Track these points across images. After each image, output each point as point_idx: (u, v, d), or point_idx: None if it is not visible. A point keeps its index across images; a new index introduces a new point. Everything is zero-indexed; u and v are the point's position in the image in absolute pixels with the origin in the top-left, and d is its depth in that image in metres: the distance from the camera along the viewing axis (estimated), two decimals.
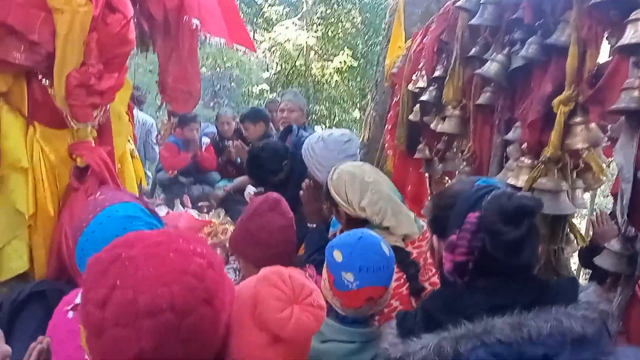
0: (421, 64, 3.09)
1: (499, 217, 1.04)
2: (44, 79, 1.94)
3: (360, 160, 5.50)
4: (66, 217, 1.95)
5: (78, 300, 1.35)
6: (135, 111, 5.04)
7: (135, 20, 2.35)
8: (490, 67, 2.23)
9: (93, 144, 2.03)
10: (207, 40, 2.59)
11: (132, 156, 2.55)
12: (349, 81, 11.69)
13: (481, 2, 2.34)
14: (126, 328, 0.85)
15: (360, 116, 11.04)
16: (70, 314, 1.43)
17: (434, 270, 1.78)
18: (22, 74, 1.94)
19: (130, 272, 0.88)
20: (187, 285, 0.89)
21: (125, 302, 0.86)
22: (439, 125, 2.78)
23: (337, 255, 1.54)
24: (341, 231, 2.12)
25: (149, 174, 5.28)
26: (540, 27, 2.01)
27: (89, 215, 1.45)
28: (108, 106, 2.09)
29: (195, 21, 2.39)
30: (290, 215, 1.99)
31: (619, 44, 1.54)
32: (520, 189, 1.93)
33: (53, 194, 1.98)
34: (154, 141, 5.71)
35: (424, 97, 2.95)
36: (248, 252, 2.06)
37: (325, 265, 1.60)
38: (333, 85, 11.76)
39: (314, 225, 2.36)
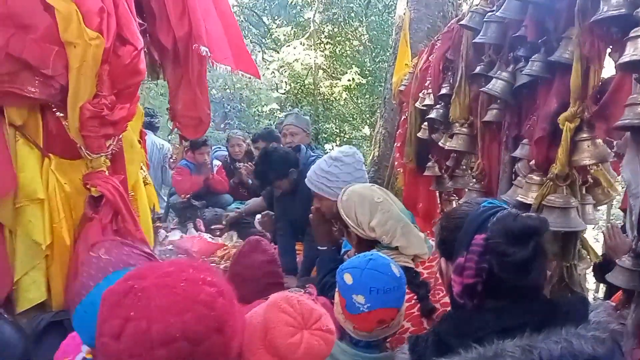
0: (427, 82, 3.13)
1: (504, 239, 1.05)
2: (58, 112, 1.98)
3: (371, 177, 5.56)
4: (82, 246, 1.98)
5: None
6: (152, 136, 5.12)
7: (146, 49, 2.41)
8: (496, 85, 2.25)
9: (107, 174, 2.07)
10: (214, 67, 2.64)
11: (145, 182, 2.59)
12: (357, 98, 11.76)
13: (484, 20, 2.37)
14: (141, 358, 0.88)
15: (370, 133, 11.07)
16: None
17: (445, 291, 1.78)
18: (36, 107, 1.99)
19: (143, 302, 0.91)
20: (199, 314, 0.92)
21: (139, 332, 0.89)
22: (447, 143, 2.79)
23: (348, 278, 1.55)
24: (354, 253, 2.14)
25: (164, 197, 5.33)
26: (544, 44, 2.03)
27: (89, 281, 1.31)
28: (120, 135, 2.13)
29: (204, 49, 2.44)
30: (272, 252, 2.14)
31: (619, 61, 1.56)
32: (530, 205, 1.93)
33: (69, 223, 2.02)
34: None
35: (431, 115, 2.98)
36: (240, 290, 2.07)
37: (337, 288, 1.61)
38: (342, 103, 11.84)
39: (325, 248, 2.37)
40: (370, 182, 2.64)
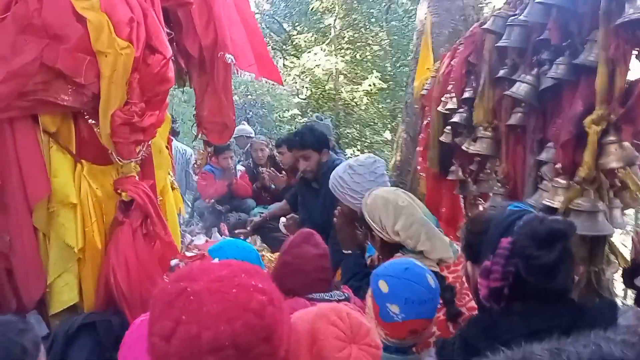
0: (450, 86, 3.13)
1: (531, 242, 1.06)
2: (90, 119, 2.04)
3: (393, 182, 5.57)
4: (113, 250, 2.03)
5: None
6: (175, 141, 5.21)
7: (173, 57, 2.47)
8: (520, 88, 2.24)
9: (137, 179, 2.12)
10: (238, 74, 2.68)
11: (172, 187, 2.65)
12: (378, 103, 11.76)
13: (507, 24, 2.37)
14: None
15: (392, 137, 11.06)
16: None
17: (470, 295, 1.78)
18: (69, 114, 2.06)
19: (195, 307, 0.92)
20: (248, 323, 0.92)
21: (189, 337, 0.90)
22: (471, 147, 2.79)
23: (383, 286, 1.55)
24: (378, 257, 2.15)
25: (188, 202, 5.41)
26: (568, 47, 2.02)
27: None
28: (150, 141, 2.19)
29: (229, 56, 2.49)
30: (324, 246, 2.01)
31: None
32: (556, 209, 1.92)
33: (100, 228, 2.08)
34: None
35: (454, 119, 2.97)
36: (286, 281, 2.08)
37: (370, 293, 1.61)
38: (363, 107, 11.85)
39: (350, 252, 2.38)
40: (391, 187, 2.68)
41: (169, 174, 2.61)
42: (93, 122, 2.03)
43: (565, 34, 2.03)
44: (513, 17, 2.34)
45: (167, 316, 0.93)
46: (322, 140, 3.45)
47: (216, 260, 1.69)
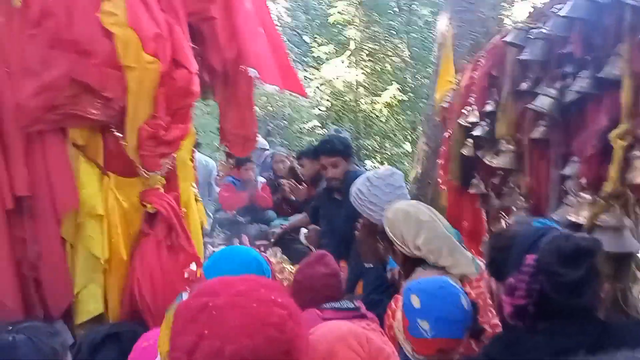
0: (471, 99, 3.12)
1: (556, 259, 1.05)
2: (117, 132, 2.09)
3: (414, 194, 5.54)
4: (137, 261, 2.07)
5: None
6: (197, 153, 5.28)
7: (197, 71, 2.52)
8: (543, 101, 2.23)
9: (162, 191, 2.16)
10: (262, 87, 2.72)
11: (195, 199, 2.68)
12: (398, 115, 11.74)
13: (529, 37, 2.36)
14: None
15: (412, 149, 11.02)
16: None
17: (494, 311, 1.77)
18: (97, 128, 2.11)
19: (217, 321, 0.94)
20: (270, 337, 0.94)
21: (212, 351, 0.91)
22: (493, 160, 2.77)
23: (415, 301, 1.53)
24: (399, 271, 2.15)
25: (210, 213, 5.46)
26: (592, 60, 2.00)
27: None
28: (174, 154, 2.23)
29: (252, 70, 2.53)
30: (334, 267, 2.13)
31: None
32: (581, 225, 1.89)
33: (125, 239, 2.11)
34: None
35: (476, 132, 2.96)
36: (297, 297, 2.09)
37: (400, 306, 1.60)
38: (383, 119, 11.84)
39: (371, 265, 2.38)
40: (412, 200, 2.68)
41: (193, 186, 2.65)
42: (120, 135, 2.08)
43: (588, 47, 2.02)
44: (535, 30, 2.33)
45: (190, 331, 0.95)
46: (350, 148, 3.52)
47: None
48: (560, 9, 2.10)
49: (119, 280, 2.11)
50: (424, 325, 1.50)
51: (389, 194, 2.56)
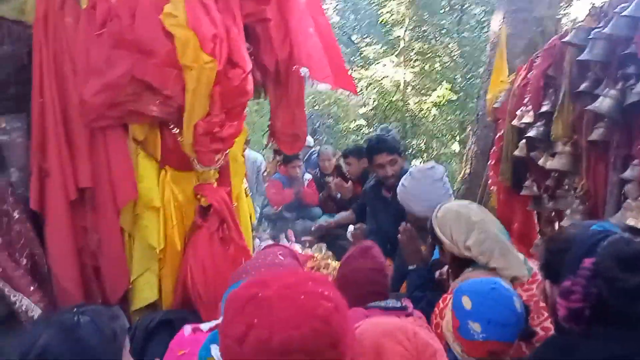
0: (526, 99, 3.05)
1: (616, 264, 1.02)
2: (174, 128, 2.17)
3: (462, 195, 5.46)
4: (191, 252, 2.14)
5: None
6: (246, 150, 5.39)
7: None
8: (603, 103, 2.16)
9: (215, 185, 2.23)
10: (313, 86, 2.75)
11: (245, 194, 2.75)
12: (447, 115, 11.56)
13: (590, 37, 2.29)
14: None
15: (460, 150, 10.82)
16: None
17: (545, 314, 1.73)
18: (156, 124, 2.20)
19: (266, 312, 0.96)
20: (316, 329, 0.96)
21: (261, 341, 0.94)
22: (548, 162, 2.70)
23: (466, 302, 1.51)
24: (448, 271, 2.13)
25: (257, 208, 5.56)
26: None
27: (241, 274, 1.61)
28: (227, 150, 2.29)
29: (304, 70, 2.56)
30: (380, 260, 2.01)
31: None
32: None
33: (180, 230, 2.20)
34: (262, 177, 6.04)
35: (530, 133, 2.89)
36: (342, 292, 2.09)
37: (450, 306, 1.58)
38: (431, 119, 11.68)
39: (414, 267, 2.39)
40: (460, 200, 2.70)
41: (243, 181, 2.71)
42: (177, 131, 2.16)
43: None
44: (597, 30, 2.25)
45: (240, 320, 0.98)
46: (399, 144, 3.55)
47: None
48: (623, 9, 2.03)
49: (173, 269, 2.19)
50: (475, 327, 1.47)
51: (429, 185, 2.69)
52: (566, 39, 2.50)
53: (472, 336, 1.48)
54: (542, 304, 1.77)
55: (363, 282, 1.92)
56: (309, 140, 6.63)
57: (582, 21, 2.48)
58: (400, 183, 2.83)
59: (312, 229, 4.58)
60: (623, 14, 2.02)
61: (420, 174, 2.76)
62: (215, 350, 1.30)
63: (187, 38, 2.04)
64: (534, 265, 1.92)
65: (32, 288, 2.03)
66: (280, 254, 1.69)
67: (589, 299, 1.06)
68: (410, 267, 2.45)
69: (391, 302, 1.84)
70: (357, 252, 2.06)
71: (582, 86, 2.37)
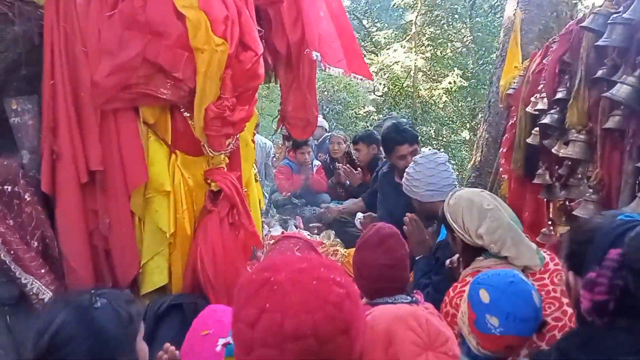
0: (541, 86, 3.00)
1: None
2: (185, 112, 2.15)
3: (472, 183, 5.41)
4: (201, 236, 2.14)
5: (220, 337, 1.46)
6: (256, 135, 5.37)
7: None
8: (621, 90, 2.11)
9: (225, 170, 2.22)
10: (326, 70, 2.72)
11: (255, 179, 2.74)
12: (458, 101, 11.45)
13: (609, 22, 2.24)
14: (272, 349, 0.94)
15: (470, 137, 10.73)
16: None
17: (557, 304, 1.71)
18: (167, 107, 2.19)
19: (278, 296, 0.96)
20: (328, 314, 0.96)
21: (273, 324, 0.94)
22: (561, 150, 2.66)
23: (484, 295, 1.48)
24: (458, 259, 2.11)
25: (266, 194, 5.56)
26: None
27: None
28: (238, 135, 2.28)
29: (315, 54, 2.53)
30: (397, 254, 1.82)
31: None
32: None
33: (190, 215, 2.20)
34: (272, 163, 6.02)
35: (544, 120, 2.85)
36: (356, 281, 2.03)
37: (466, 299, 1.55)
38: (441, 105, 11.58)
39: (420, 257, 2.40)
40: (470, 188, 2.71)
41: (253, 166, 2.70)
42: (188, 115, 2.15)
43: None
44: (616, 15, 2.20)
45: (252, 304, 0.98)
46: (415, 134, 3.56)
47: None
48: None
49: (183, 254, 2.20)
50: (493, 321, 1.45)
51: (433, 169, 2.79)
52: (584, 23, 2.45)
53: (489, 330, 1.46)
54: (553, 294, 1.76)
55: (374, 279, 1.80)
56: (325, 123, 6.60)
57: (600, 6, 2.42)
58: (405, 172, 2.92)
59: (320, 211, 4.57)
60: None
61: (424, 159, 2.85)
62: None
63: (198, 20, 2.02)
64: (546, 254, 1.90)
65: (43, 270, 2.05)
66: (297, 250, 1.66)
67: (614, 292, 1.02)
68: (416, 257, 2.44)
69: (400, 298, 1.75)
70: (373, 240, 1.87)
71: (599, 72, 2.32)
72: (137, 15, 2.02)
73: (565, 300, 1.72)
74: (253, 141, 2.65)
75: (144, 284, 2.23)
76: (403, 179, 2.93)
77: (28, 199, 2.07)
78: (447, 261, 2.26)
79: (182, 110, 2.15)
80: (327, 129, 6.46)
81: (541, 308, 1.50)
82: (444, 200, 2.04)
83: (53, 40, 2.08)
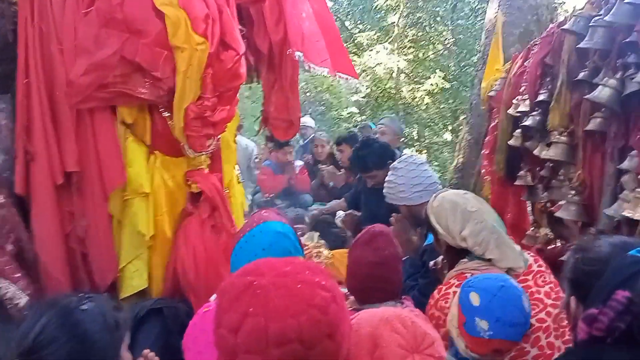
0: (523, 88, 3.01)
1: None
2: (164, 112, 2.11)
3: (455, 184, 5.44)
4: (181, 239, 2.10)
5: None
6: (238, 136, 5.32)
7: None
8: (602, 92, 2.13)
9: (206, 171, 2.17)
10: (310, 70, 2.69)
11: (237, 181, 2.70)
12: (440, 103, 11.53)
13: (590, 25, 2.25)
14: (256, 355, 0.91)
15: (452, 139, 10.82)
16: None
17: (540, 306, 1.71)
18: (145, 107, 2.14)
19: (262, 301, 0.93)
20: (313, 318, 0.93)
21: (257, 329, 0.91)
22: (543, 152, 2.67)
23: (474, 298, 1.48)
24: (442, 260, 2.10)
25: (248, 196, 5.51)
26: None
27: (247, 227, 1.58)
28: (219, 136, 2.24)
29: (298, 54, 2.51)
30: (386, 253, 1.78)
31: None
32: (637, 221, 1.81)
33: (170, 217, 2.15)
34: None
35: (526, 122, 2.86)
36: (348, 284, 2.01)
37: (456, 302, 1.55)
38: (424, 107, 11.65)
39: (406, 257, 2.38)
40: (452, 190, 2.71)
41: (235, 167, 2.66)
42: (167, 115, 2.10)
43: None
44: (597, 18, 2.22)
45: (235, 309, 0.95)
46: (382, 157, 3.40)
47: None
48: None
49: (162, 257, 2.15)
50: (483, 324, 1.44)
51: (415, 169, 2.77)
52: (565, 26, 2.47)
53: (478, 333, 1.45)
54: (537, 295, 1.76)
55: (363, 278, 1.76)
56: (311, 122, 6.59)
57: (581, 9, 2.44)
58: (385, 182, 2.88)
59: (307, 220, 4.54)
60: (625, 1, 1.98)
61: (403, 164, 2.83)
62: None
63: (178, 18, 1.98)
64: (530, 257, 1.90)
65: (18, 275, 1.98)
66: (264, 213, 1.67)
67: (614, 332, 1.00)
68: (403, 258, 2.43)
69: (389, 304, 1.69)
70: (363, 238, 1.84)
71: (581, 75, 2.34)
72: (114, 13, 1.97)
73: (549, 301, 1.73)
74: (235, 142, 2.60)
75: (123, 288, 2.17)
76: (384, 190, 2.87)
77: (2, 201, 2.00)
78: (431, 262, 2.25)
79: (161, 110, 2.10)
80: (314, 127, 6.49)
81: (530, 313, 1.50)
82: None
83: (27, 37, 2.01)
